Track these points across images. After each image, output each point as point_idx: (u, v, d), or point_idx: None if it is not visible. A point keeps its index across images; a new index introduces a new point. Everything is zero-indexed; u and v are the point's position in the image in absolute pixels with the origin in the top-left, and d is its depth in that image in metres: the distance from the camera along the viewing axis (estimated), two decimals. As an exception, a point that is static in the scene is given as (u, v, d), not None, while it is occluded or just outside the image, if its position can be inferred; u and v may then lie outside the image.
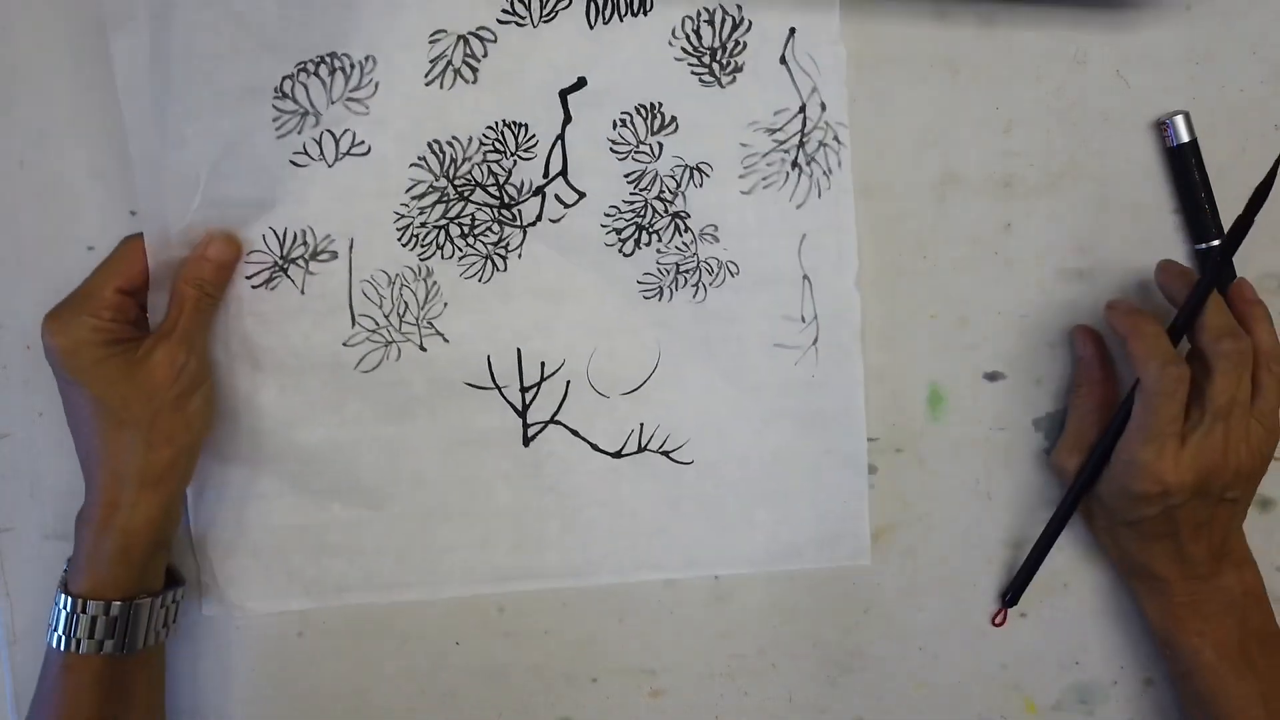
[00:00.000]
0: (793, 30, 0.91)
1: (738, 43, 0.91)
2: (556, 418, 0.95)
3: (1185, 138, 0.93)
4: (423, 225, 0.92)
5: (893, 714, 0.99)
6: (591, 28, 0.91)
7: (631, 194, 0.92)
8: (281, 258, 0.92)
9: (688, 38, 0.91)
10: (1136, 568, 0.93)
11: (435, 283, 0.92)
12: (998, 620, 0.93)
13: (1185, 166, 0.94)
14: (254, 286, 0.92)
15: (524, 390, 0.94)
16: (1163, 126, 0.94)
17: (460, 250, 0.92)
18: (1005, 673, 0.98)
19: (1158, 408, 0.84)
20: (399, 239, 0.92)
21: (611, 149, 0.92)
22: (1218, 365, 0.85)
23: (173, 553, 0.94)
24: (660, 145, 0.92)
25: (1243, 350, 0.85)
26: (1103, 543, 0.96)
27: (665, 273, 0.93)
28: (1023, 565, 0.95)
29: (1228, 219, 0.93)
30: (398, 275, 0.92)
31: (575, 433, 0.95)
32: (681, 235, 0.93)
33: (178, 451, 0.88)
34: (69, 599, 0.86)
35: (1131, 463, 0.86)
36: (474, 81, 0.91)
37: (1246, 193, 0.93)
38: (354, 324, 0.92)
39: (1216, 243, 0.94)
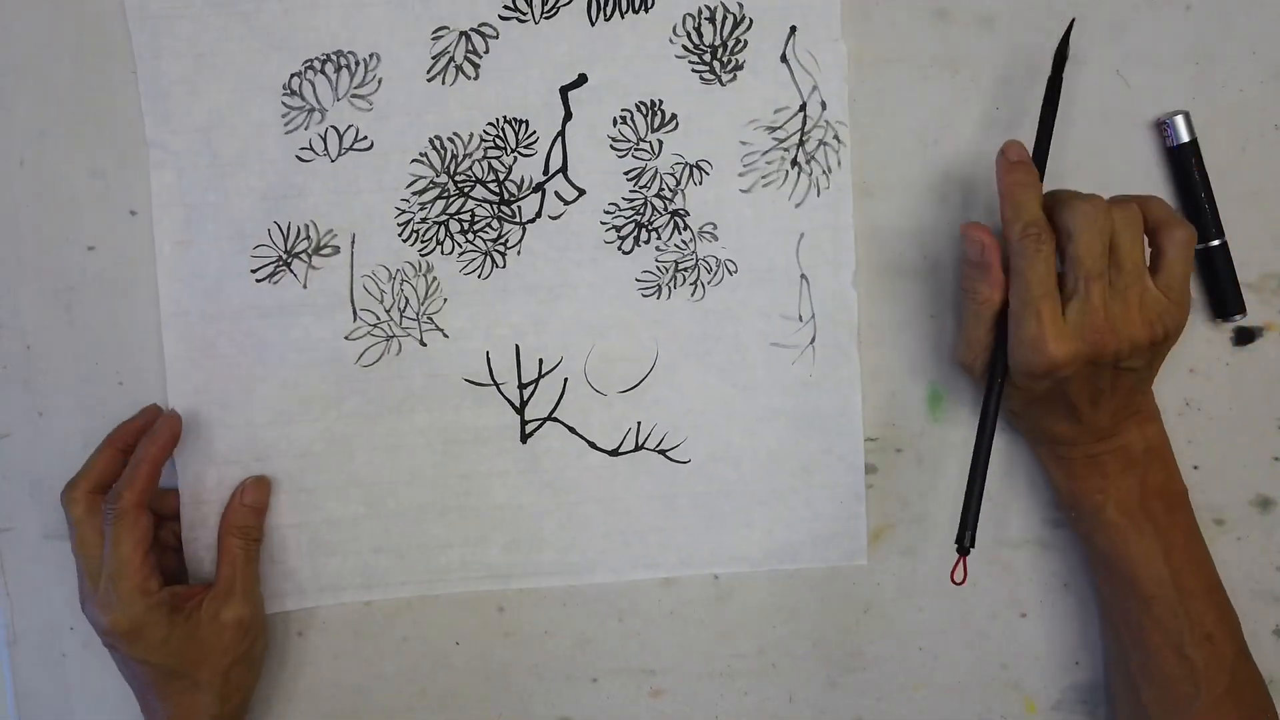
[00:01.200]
0: (793, 28, 0.92)
1: (738, 40, 0.92)
2: (554, 415, 0.95)
3: (1185, 138, 0.93)
4: (423, 221, 0.92)
5: (893, 714, 0.99)
6: (593, 24, 0.91)
7: (631, 191, 0.93)
8: (285, 252, 0.92)
9: (689, 35, 0.91)
10: (1041, 435, 0.92)
11: (435, 278, 0.93)
12: (957, 577, 0.86)
13: (1185, 166, 0.93)
14: (258, 280, 0.93)
15: (522, 387, 0.94)
16: (1163, 126, 0.94)
17: (460, 246, 0.93)
18: (1005, 673, 0.98)
19: (1024, 270, 0.82)
20: (400, 234, 0.92)
21: (611, 146, 0.92)
22: (1075, 225, 0.82)
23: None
24: (660, 143, 0.92)
25: (1097, 207, 0.82)
26: (1008, 416, 0.94)
27: (664, 271, 0.93)
28: (965, 499, 0.88)
29: (1228, 219, 0.94)
30: (398, 270, 0.92)
31: (573, 430, 0.95)
32: (680, 233, 0.93)
33: (247, 694, 0.93)
34: None
35: (1018, 338, 0.84)
36: (475, 78, 0.91)
37: (1247, 193, 0.94)
38: (355, 318, 0.93)
39: (1216, 243, 0.94)
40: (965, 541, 0.86)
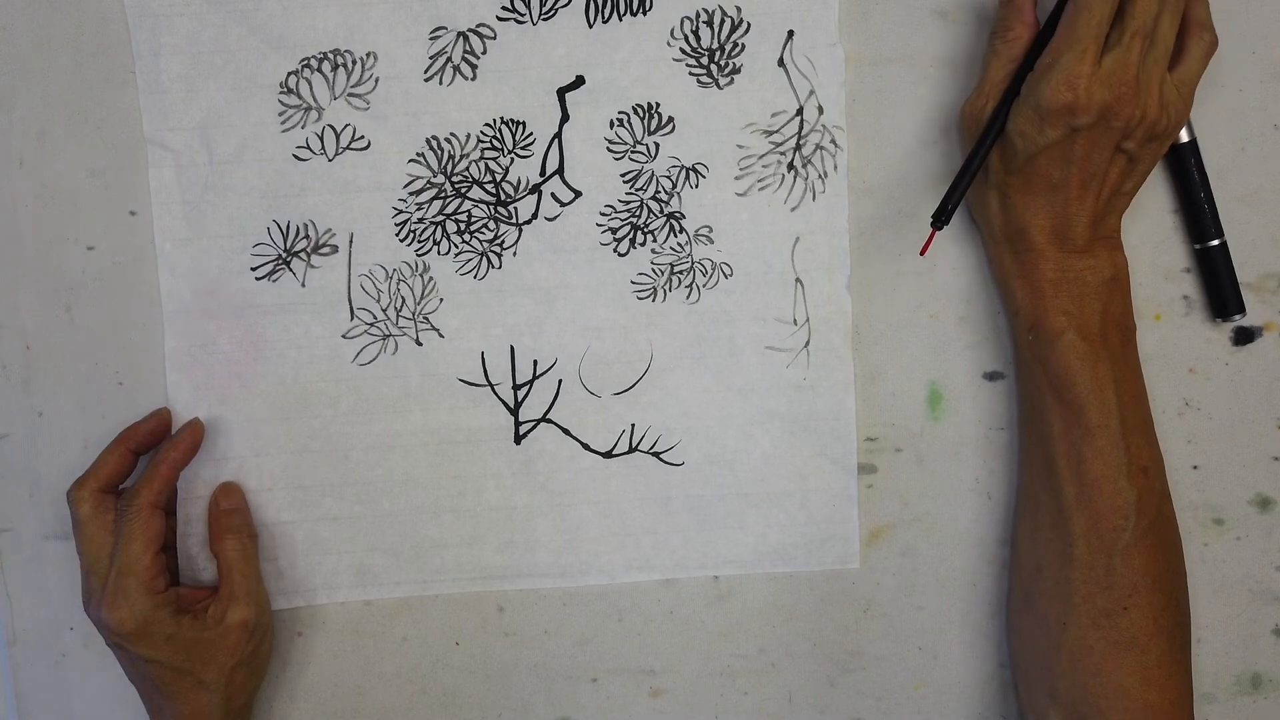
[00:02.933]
0: (791, 33, 0.92)
1: (736, 44, 0.92)
2: (548, 416, 0.95)
3: (1185, 138, 0.93)
4: (420, 221, 0.92)
5: (892, 714, 0.99)
6: (590, 26, 0.91)
7: (627, 194, 0.93)
8: (285, 250, 0.93)
9: (686, 38, 0.91)
10: (1013, 234, 0.91)
11: (431, 278, 0.93)
12: (923, 250, 0.88)
13: (1185, 166, 0.93)
14: (258, 279, 0.93)
15: (516, 388, 0.94)
16: (1162, 126, 0.94)
17: (456, 247, 0.93)
18: (1005, 673, 0.98)
19: (1091, 5, 0.85)
20: (397, 234, 0.93)
21: (608, 148, 0.92)
22: None
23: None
24: (657, 145, 0.92)
25: None
26: (987, 206, 0.93)
27: (659, 273, 0.93)
28: (952, 184, 0.88)
29: (1228, 219, 0.94)
30: (395, 270, 0.93)
31: (566, 431, 0.95)
32: (676, 236, 0.93)
33: (251, 695, 0.94)
34: None
35: (1052, 66, 0.85)
36: (473, 78, 0.91)
37: (1247, 193, 0.94)
38: (353, 317, 0.93)
39: (1216, 243, 0.93)
40: (942, 218, 0.88)
